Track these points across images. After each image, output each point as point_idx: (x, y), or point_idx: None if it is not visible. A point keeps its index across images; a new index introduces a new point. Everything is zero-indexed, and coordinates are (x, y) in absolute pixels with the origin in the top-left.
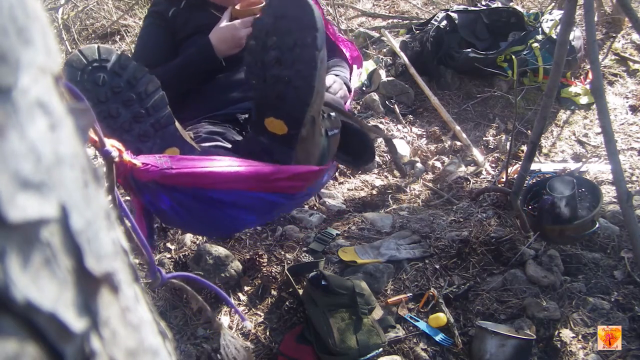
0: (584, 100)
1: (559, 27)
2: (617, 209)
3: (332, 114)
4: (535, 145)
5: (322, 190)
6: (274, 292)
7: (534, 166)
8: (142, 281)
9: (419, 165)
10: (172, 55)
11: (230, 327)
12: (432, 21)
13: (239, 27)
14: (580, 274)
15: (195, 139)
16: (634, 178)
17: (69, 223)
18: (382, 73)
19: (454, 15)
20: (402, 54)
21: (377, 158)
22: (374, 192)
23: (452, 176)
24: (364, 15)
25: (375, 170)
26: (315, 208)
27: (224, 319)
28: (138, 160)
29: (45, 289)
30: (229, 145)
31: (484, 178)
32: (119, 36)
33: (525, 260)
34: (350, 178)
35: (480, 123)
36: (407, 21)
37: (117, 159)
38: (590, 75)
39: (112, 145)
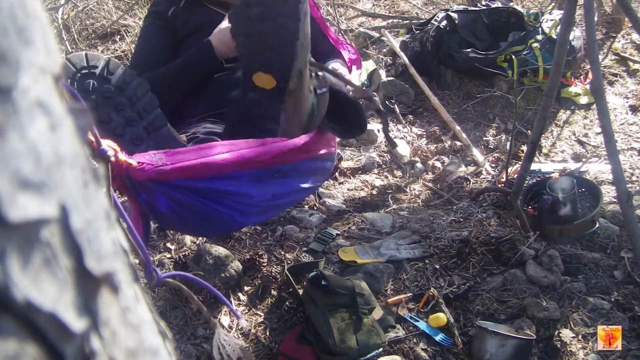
0: (584, 100)
1: (559, 27)
2: (617, 209)
3: (320, 73)
4: (535, 145)
5: (322, 190)
6: (274, 292)
7: (534, 166)
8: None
9: (419, 165)
10: (172, 55)
11: (230, 327)
12: (432, 21)
13: None
14: (580, 274)
15: (193, 140)
16: (634, 178)
17: (69, 223)
18: (382, 73)
19: (454, 15)
20: (402, 54)
21: (377, 158)
22: (374, 192)
23: (452, 176)
24: (364, 15)
25: (375, 170)
26: (315, 208)
27: (224, 319)
28: (133, 160)
29: (45, 289)
30: (220, 130)
31: (484, 178)
32: (119, 36)
33: (525, 260)
34: (350, 178)
35: (480, 123)
36: (407, 21)
37: (112, 159)
38: (590, 75)
39: (108, 145)
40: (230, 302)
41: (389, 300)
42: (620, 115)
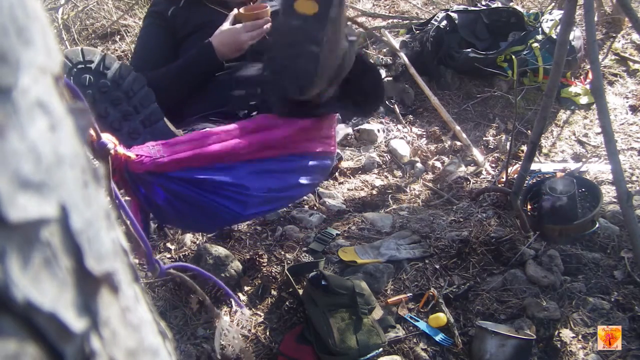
0: (584, 100)
1: (559, 27)
2: (617, 209)
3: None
4: (535, 145)
5: (322, 190)
6: (274, 292)
7: (534, 166)
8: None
9: (419, 165)
10: (172, 55)
11: (230, 327)
12: (432, 21)
13: (242, 31)
14: (580, 274)
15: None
16: (634, 178)
17: (69, 223)
18: (382, 73)
19: (454, 15)
20: (402, 54)
21: (377, 158)
22: (374, 192)
23: (452, 176)
24: (364, 15)
25: (375, 170)
26: (315, 208)
27: (224, 319)
28: (132, 152)
29: (45, 289)
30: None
31: (484, 178)
32: (119, 36)
33: (525, 260)
34: (350, 178)
35: (480, 123)
36: (407, 21)
37: (112, 152)
38: (590, 75)
39: (107, 138)
40: (231, 301)
41: (389, 300)
42: (620, 115)
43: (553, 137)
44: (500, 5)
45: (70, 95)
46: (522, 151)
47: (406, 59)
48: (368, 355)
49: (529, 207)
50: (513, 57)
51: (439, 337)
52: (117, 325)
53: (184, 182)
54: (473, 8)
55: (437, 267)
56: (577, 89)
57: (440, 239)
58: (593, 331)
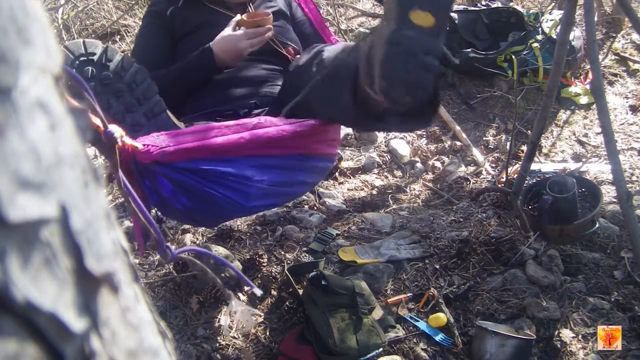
0: (584, 100)
1: (559, 27)
2: (617, 209)
3: None
4: (535, 145)
5: (322, 190)
6: (274, 292)
7: (534, 166)
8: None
9: (419, 165)
10: (171, 55)
11: (230, 327)
12: None
13: (242, 38)
14: (580, 274)
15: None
16: (634, 178)
17: (69, 223)
18: None
19: (454, 15)
20: None
21: (377, 158)
22: (374, 192)
23: (452, 176)
24: (364, 15)
25: (375, 170)
26: (315, 208)
27: (224, 319)
28: (139, 143)
29: (45, 289)
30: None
31: (484, 178)
32: (119, 36)
33: (525, 260)
34: (350, 178)
35: (480, 123)
36: None
37: (119, 142)
38: (590, 75)
39: (114, 128)
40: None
41: (389, 300)
42: (620, 115)
43: (553, 137)
44: (500, 5)
45: (75, 86)
46: (522, 151)
47: None
48: (368, 355)
49: (529, 207)
50: (513, 57)
51: (439, 337)
52: (117, 325)
53: (188, 172)
54: (473, 8)
55: (437, 267)
56: (577, 89)
57: (440, 239)
58: (593, 331)
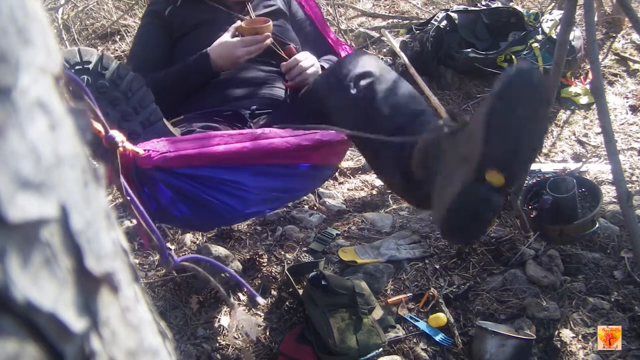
0: (584, 100)
1: (559, 27)
2: (617, 209)
3: None
4: None
5: (322, 190)
6: (274, 292)
7: (534, 166)
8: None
9: None
10: (169, 55)
11: (230, 327)
12: (432, 21)
13: (239, 46)
14: (580, 274)
15: (188, 134)
16: (634, 178)
17: (69, 223)
18: None
19: (454, 15)
20: (402, 54)
21: None
22: (374, 192)
23: None
24: (364, 15)
25: None
26: (315, 208)
27: (224, 320)
28: (140, 148)
29: (45, 289)
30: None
31: None
32: (119, 36)
33: (525, 260)
34: (350, 178)
35: None
36: (407, 21)
37: (121, 147)
38: (590, 75)
39: (115, 133)
40: (237, 297)
41: (389, 300)
42: (620, 115)
43: (553, 137)
44: (500, 5)
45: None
46: None
47: (406, 59)
48: (368, 355)
49: (529, 207)
50: (513, 57)
51: (439, 337)
52: (117, 325)
53: (188, 178)
54: (473, 8)
55: (437, 267)
56: (577, 89)
57: (440, 239)
58: (593, 331)
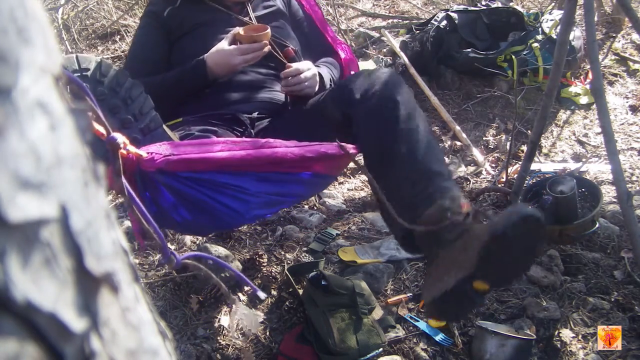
0: (584, 100)
1: (559, 27)
2: (617, 209)
3: None
4: (535, 145)
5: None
6: (274, 292)
7: (534, 166)
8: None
9: None
10: (168, 56)
11: (233, 328)
12: (432, 21)
13: (235, 54)
14: (580, 274)
15: (187, 137)
16: (634, 178)
17: (69, 223)
18: None
19: (454, 15)
20: (402, 54)
21: None
22: None
23: (452, 176)
24: (364, 15)
25: None
26: (315, 208)
27: (224, 319)
28: (143, 151)
29: (45, 289)
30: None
31: (484, 178)
32: (119, 36)
33: None
34: (350, 178)
35: (480, 123)
36: (407, 21)
37: (122, 147)
38: (590, 75)
39: (117, 135)
40: (238, 295)
41: (389, 300)
42: (620, 115)
43: (553, 137)
44: (500, 5)
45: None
46: (522, 151)
47: (406, 59)
48: (368, 355)
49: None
50: (513, 57)
51: (439, 337)
52: (117, 325)
53: (190, 181)
54: (473, 8)
55: None
56: (577, 89)
57: None
58: (593, 331)
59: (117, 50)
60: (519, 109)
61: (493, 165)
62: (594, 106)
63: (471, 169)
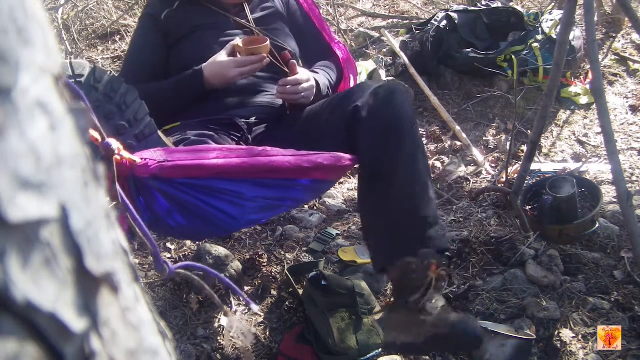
0: (584, 100)
1: (559, 27)
2: (617, 209)
3: None
4: (535, 145)
5: None
6: (274, 292)
7: (534, 166)
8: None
9: None
10: (165, 59)
11: (231, 327)
12: (432, 21)
13: (232, 66)
14: (580, 274)
15: (183, 142)
16: (634, 178)
17: (69, 223)
18: (382, 73)
19: (454, 15)
20: (402, 54)
21: None
22: None
23: (452, 176)
24: (364, 15)
25: None
26: (315, 208)
27: (224, 320)
28: (137, 157)
29: (45, 289)
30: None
31: (484, 178)
32: (119, 36)
33: (525, 260)
34: (350, 178)
35: (480, 123)
36: (407, 21)
37: (117, 156)
38: (590, 75)
39: (112, 141)
40: (231, 301)
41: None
42: (620, 115)
43: (553, 137)
44: (500, 5)
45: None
46: (522, 151)
47: (406, 59)
48: (368, 355)
49: (528, 207)
50: (513, 57)
51: None
52: (117, 325)
53: (184, 187)
54: (473, 8)
55: None
56: (577, 89)
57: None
58: (593, 331)
59: (117, 50)
60: (519, 109)
61: (493, 165)
62: (594, 106)
63: (471, 169)
